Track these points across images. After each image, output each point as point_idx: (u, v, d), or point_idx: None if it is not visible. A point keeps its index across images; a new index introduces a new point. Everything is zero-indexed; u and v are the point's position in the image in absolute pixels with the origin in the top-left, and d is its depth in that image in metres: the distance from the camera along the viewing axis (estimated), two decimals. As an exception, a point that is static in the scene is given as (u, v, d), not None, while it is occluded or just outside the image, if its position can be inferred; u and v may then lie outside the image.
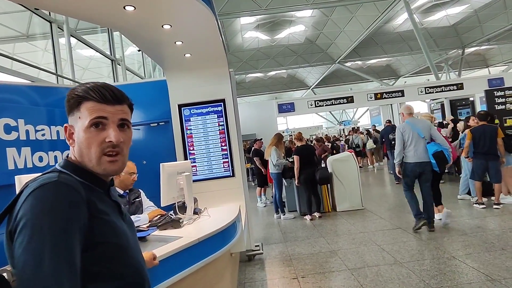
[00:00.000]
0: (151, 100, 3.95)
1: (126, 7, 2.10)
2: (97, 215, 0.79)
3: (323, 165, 6.83)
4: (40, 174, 0.81)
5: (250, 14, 14.10)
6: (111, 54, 8.35)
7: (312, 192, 5.67)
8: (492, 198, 5.19)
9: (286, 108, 13.78)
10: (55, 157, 3.29)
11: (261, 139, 8.10)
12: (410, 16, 13.54)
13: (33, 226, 0.68)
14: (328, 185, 6.06)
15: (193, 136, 3.87)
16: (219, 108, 3.87)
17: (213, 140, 3.88)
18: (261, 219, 6.27)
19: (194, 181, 3.81)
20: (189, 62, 3.44)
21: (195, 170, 3.86)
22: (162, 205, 2.37)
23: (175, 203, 2.43)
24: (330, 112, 31.59)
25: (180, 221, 2.30)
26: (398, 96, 13.82)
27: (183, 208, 2.51)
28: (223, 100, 3.85)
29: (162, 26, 2.47)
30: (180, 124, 3.85)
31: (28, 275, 0.66)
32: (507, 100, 6.55)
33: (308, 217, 5.64)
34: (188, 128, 3.87)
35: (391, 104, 17.70)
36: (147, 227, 2.29)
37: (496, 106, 6.63)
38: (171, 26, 2.48)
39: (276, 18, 16.48)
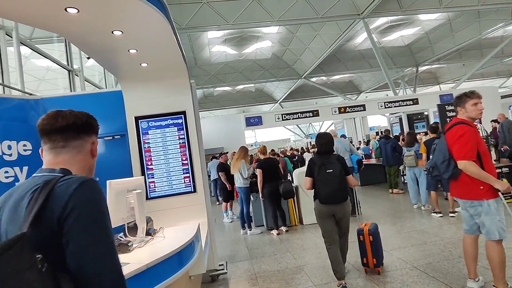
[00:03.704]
0: (105, 112, 3.68)
1: (68, 9, 1.92)
2: None
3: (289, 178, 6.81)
4: (61, 176, 0.92)
5: (217, 29, 14.13)
6: (68, 64, 7.85)
7: (277, 206, 5.58)
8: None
9: (254, 122, 13.82)
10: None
11: (227, 152, 7.94)
12: (369, 35, 14.36)
13: (96, 218, 0.86)
14: (295, 198, 6.01)
15: (151, 150, 3.64)
16: (180, 121, 3.69)
17: (173, 154, 3.68)
18: (227, 236, 6.05)
19: (152, 198, 3.59)
20: (146, 72, 3.26)
21: (153, 186, 3.62)
22: (109, 227, 2.13)
23: (124, 225, 2.21)
24: (297, 125, 32.27)
25: (129, 244, 2.08)
26: (360, 110, 14.46)
27: (134, 229, 2.29)
28: (183, 113, 3.69)
29: (112, 32, 2.31)
30: (137, 137, 3.61)
31: (105, 267, 0.84)
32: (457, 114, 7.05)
33: (274, 232, 5.53)
34: (146, 141, 3.65)
35: (354, 118, 18.42)
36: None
37: (448, 119, 7.10)
38: (122, 32, 2.32)
39: (243, 33, 16.70)
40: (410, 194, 6.28)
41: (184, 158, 3.68)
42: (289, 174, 8.33)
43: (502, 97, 16.63)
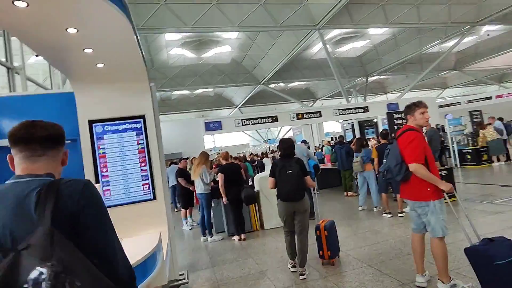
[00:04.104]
0: (52, 115, 3.37)
1: (16, 2, 1.74)
2: None
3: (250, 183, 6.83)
4: (59, 179, 1.03)
5: (175, 31, 13.83)
6: (7, 61, 7.08)
7: (238, 211, 5.55)
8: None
9: (213, 127, 13.70)
10: None
11: (187, 158, 7.75)
12: (324, 45, 15.11)
13: (103, 209, 1.04)
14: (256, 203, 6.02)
15: (106, 156, 3.42)
16: (139, 125, 3.53)
17: (131, 160, 3.49)
18: (187, 244, 5.87)
19: (108, 207, 3.35)
20: (103, 73, 3.07)
21: (108, 194, 3.40)
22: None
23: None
24: (256, 130, 32.62)
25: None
26: (317, 117, 15.10)
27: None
28: (142, 117, 3.53)
29: (66, 30, 2.14)
30: (90, 142, 3.37)
31: (117, 246, 1.03)
32: (403, 122, 7.71)
33: (236, 238, 5.50)
34: (101, 147, 3.42)
35: (311, 124, 19.14)
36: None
37: (395, 126, 7.71)
38: (77, 30, 2.16)
39: (202, 37, 16.54)
40: (360, 196, 6.66)
41: (143, 164, 3.51)
42: (250, 179, 8.37)
43: (440, 106, 18.52)
